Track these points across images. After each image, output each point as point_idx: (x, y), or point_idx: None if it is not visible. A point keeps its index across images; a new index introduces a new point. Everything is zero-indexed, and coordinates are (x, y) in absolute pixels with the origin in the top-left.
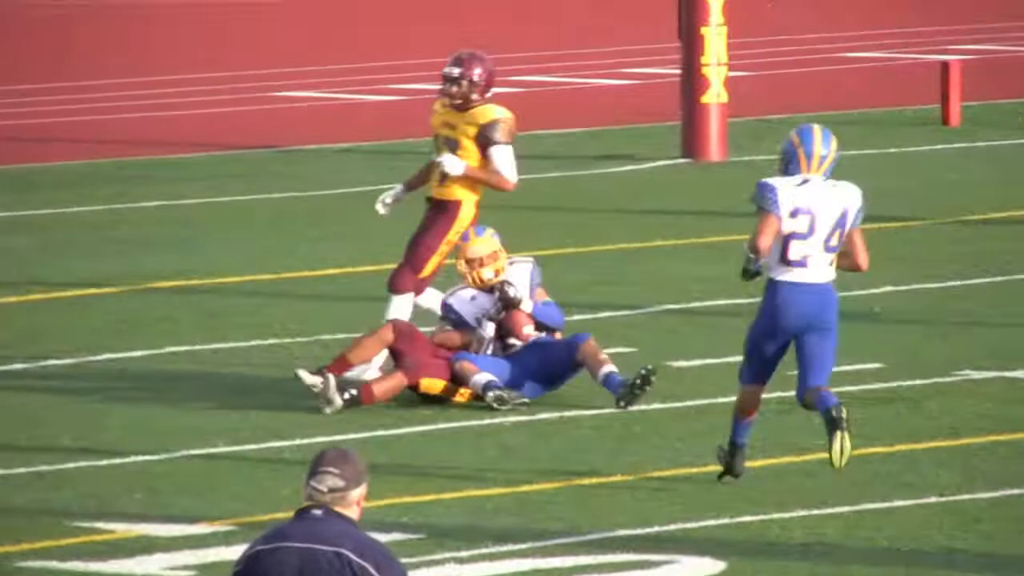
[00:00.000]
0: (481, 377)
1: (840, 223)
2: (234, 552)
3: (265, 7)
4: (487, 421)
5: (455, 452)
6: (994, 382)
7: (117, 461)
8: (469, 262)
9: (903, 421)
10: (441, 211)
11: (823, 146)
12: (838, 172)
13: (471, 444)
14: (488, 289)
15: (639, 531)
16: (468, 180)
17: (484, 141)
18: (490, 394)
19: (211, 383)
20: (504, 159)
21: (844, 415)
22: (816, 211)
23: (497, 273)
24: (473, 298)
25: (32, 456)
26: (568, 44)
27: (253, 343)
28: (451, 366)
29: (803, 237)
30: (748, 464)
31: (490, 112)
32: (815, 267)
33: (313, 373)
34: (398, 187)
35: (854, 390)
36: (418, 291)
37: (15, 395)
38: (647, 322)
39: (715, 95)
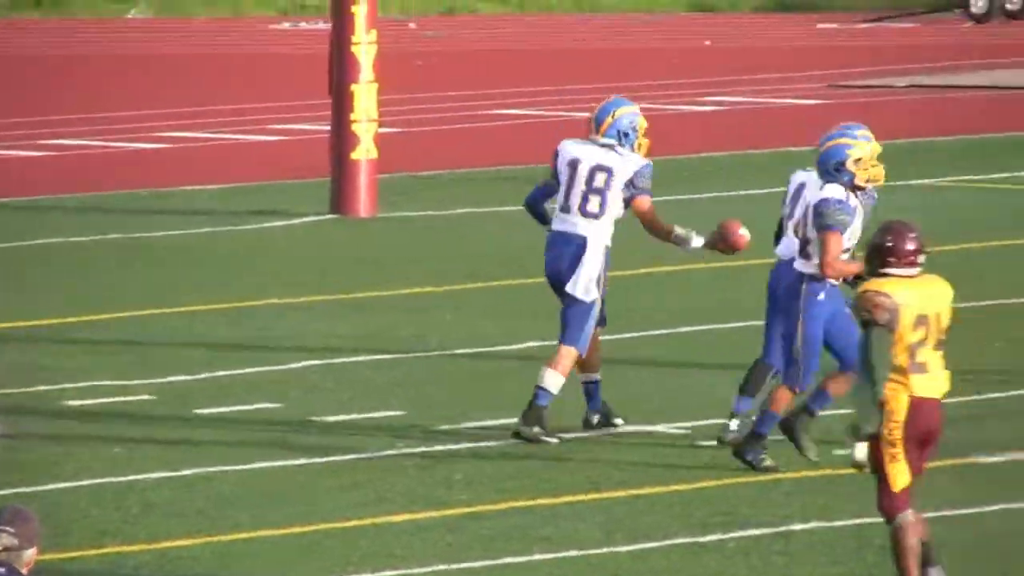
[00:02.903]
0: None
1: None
2: None
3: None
4: (131, 477)
5: (98, 507)
6: (635, 436)
7: None
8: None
9: (545, 475)
10: None
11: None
12: None
13: (114, 499)
14: None
15: None
16: None
17: None
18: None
19: None
20: None
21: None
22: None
23: None
24: None
25: None
26: (218, 100)
27: None
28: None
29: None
30: (389, 519)
31: None
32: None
33: None
34: None
35: (493, 445)
36: None
37: None
38: (293, 378)
39: (364, 151)
